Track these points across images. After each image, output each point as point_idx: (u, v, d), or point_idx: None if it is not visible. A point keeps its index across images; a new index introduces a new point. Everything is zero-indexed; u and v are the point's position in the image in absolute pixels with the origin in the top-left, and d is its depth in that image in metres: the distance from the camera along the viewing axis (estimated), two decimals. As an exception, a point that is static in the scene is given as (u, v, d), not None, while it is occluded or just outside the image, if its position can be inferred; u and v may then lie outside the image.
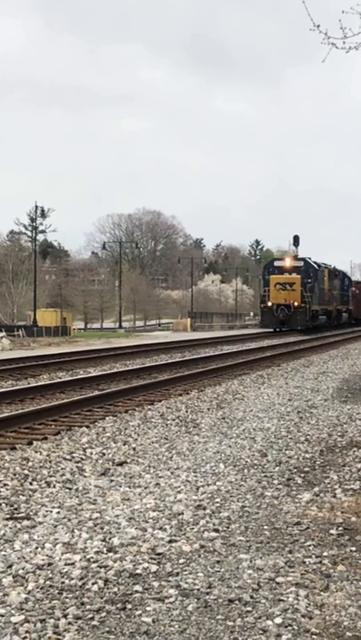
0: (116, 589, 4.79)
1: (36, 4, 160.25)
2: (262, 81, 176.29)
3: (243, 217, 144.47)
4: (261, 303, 49.57)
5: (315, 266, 49.81)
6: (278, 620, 4.34)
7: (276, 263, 49.91)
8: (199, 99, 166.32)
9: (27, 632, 4.22)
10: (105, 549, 5.51)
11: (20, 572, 5.05)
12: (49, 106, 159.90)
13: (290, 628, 4.28)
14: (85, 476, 7.92)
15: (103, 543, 5.65)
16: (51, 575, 5.01)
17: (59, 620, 4.35)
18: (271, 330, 47.32)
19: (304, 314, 46.65)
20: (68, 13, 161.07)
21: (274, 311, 46.68)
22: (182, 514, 6.43)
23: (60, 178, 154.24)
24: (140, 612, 4.46)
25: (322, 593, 4.76)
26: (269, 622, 4.32)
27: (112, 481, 7.68)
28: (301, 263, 48.71)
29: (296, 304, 46.55)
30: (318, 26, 9.93)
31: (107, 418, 11.62)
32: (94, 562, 5.25)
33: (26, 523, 6.20)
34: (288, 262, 48.77)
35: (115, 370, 19.24)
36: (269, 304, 47.08)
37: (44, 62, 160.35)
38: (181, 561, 5.30)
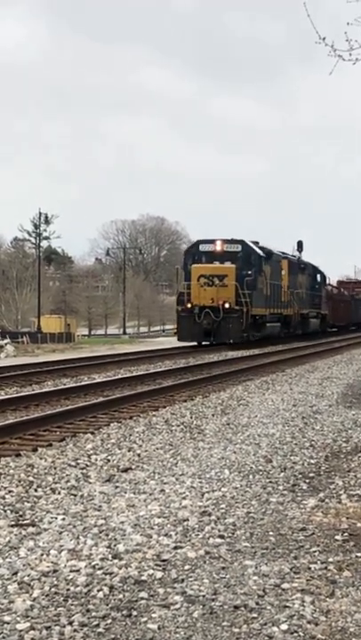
0: (121, 596, 4.78)
1: (41, 9, 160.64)
2: (267, 83, 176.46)
3: (247, 222, 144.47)
4: (179, 305, 34.35)
5: (258, 252, 35.28)
6: (284, 627, 4.33)
7: (203, 247, 35.23)
8: (204, 101, 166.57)
9: (32, 639, 4.22)
10: (110, 556, 5.51)
11: (26, 578, 5.05)
12: (53, 109, 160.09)
13: (296, 634, 4.27)
14: (90, 483, 7.91)
15: (108, 550, 5.64)
16: (56, 582, 5.01)
17: (64, 627, 4.34)
18: (194, 343, 33.61)
19: (239, 320, 32.58)
20: (72, 17, 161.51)
21: (196, 316, 32.39)
22: (187, 520, 6.42)
23: (63, 183, 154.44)
24: (145, 618, 4.45)
25: (328, 599, 4.75)
26: (275, 629, 4.31)
27: (117, 487, 7.67)
28: (238, 247, 34.59)
29: (228, 306, 32.36)
30: (324, 39, 9.97)
31: (111, 424, 11.62)
32: (99, 568, 5.25)
33: (31, 529, 6.20)
34: (219, 246, 34.52)
35: (119, 376, 19.24)
36: (189, 306, 32.73)
37: (48, 65, 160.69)
38: (187, 567, 5.29)
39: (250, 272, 34.01)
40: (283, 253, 41.82)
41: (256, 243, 36.12)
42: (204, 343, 33.24)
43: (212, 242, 35.05)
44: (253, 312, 33.77)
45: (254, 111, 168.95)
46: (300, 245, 54.13)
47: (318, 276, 49.52)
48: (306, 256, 59.36)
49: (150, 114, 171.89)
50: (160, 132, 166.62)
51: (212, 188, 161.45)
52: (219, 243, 34.58)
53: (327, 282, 53.02)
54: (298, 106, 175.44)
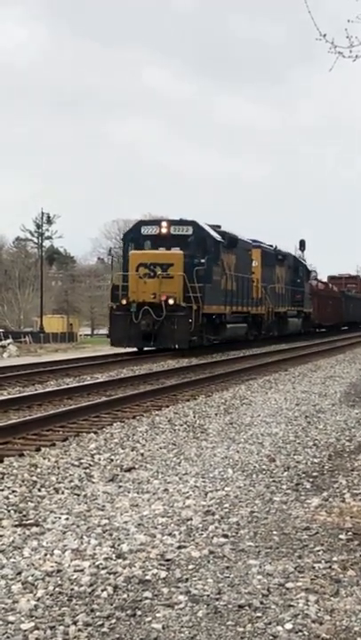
0: (125, 596, 4.78)
1: (40, 10, 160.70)
2: (268, 83, 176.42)
3: (249, 221, 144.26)
4: (113, 301, 27.78)
5: (215, 237, 28.56)
6: (289, 626, 4.32)
7: (146, 229, 28.64)
8: (205, 102, 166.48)
9: (37, 639, 4.22)
10: (114, 556, 5.50)
11: (30, 578, 5.05)
12: (54, 111, 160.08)
13: (300, 633, 4.26)
14: (94, 482, 7.91)
15: (112, 549, 5.64)
16: (60, 582, 5.00)
17: (68, 626, 4.34)
18: (131, 349, 26.98)
19: (186, 320, 25.67)
20: (73, 18, 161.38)
21: (133, 315, 25.72)
22: (191, 519, 6.42)
23: (65, 183, 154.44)
24: (149, 618, 4.45)
25: (332, 598, 4.74)
26: (280, 628, 4.31)
27: (120, 487, 7.67)
28: (188, 230, 27.98)
29: (172, 302, 25.66)
30: (325, 35, 9.97)
31: (114, 424, 11.61)
32: (103, 568, 5.25)
33: (35, 529, 6.20)
34: (164, 228, 27.94)
35: (122, 375, 19.24)
36: (125, 302, 26.25)
37: (49, 66, 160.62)
38: (191, 567, 5.29)
39: (202, 260, 27.17)
40: (255, 241, 35.49)
41: (217, 226, 30.01)
42: (147, 349, 26.99)
43: (157, 223, 28.74)
44: (207, 310, 26.91)
45: (255, 111, 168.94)
46: (302, 244, 53.90)
47: (301, 269, 43.56)
48: (308, 255, 57.59)
49: (151, 114, 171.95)
50: (161, 132, 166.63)
51: (214, 187, 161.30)
52: (164, 224, 28.03)
53: (312, 276, 48.31)
54: (298, 106, 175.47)
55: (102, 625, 4.38)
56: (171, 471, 8.40)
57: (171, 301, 25.75)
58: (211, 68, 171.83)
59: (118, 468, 8.58)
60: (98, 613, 4.51)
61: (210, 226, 29.13)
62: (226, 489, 7.52)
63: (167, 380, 18.41)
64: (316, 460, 9.06)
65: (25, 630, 4.30)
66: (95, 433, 10.79)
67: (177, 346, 26.08)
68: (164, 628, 4.34)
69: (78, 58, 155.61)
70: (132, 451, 9.58)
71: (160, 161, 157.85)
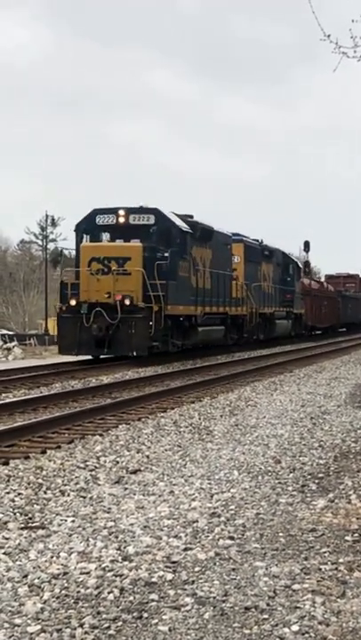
0: (131, 598, 4.78)
1: (42, 11, 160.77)
2: (270, 82, 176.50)
3: (251, 222, 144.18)
4: (62, 302, 24.24)
5: (181, 227, 24.78)
6: (295, 628, 4.32)
7: (101, 218, 24.76)
8: (206, 101, 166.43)
9: (43, 642, 4.22)
10: (120, 558, 5.50)
11: (36, 581, 5.05)
12: (54, 111, 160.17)
13: (307, 635, 4.26)
14: (99, 485, 7.91)
15: (118, 552, 5.64)
16: (66, 584, 5.00)
17: (75, 629, 4.34)
18: (82, 358, 23.46)
19: (146, 323, 22.44)
20: (74, 19, 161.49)
21: (84, 318, 22.40)
22: (197, 521, 6.42)
23: (65, 183, 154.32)
24: (156, 620, 4.45)
25: (338, 600, 4.74)
26: (286, 630, 4.30)
27: (126, 489, 7.67)
28: (150, 219, 24.43)
29: (129, 302, 22.43)
30: (329, 35, 9.95)
31: (120, 426, 11.62)
32: (110, 571, 5.25)
33: (41, 532, 6.20)
34: (122, 217, 24.31)
35: (127, 377, 19.25)
36: (74, 303, 22.91)
37: (50, 67, 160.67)
38: (197, 569, 5.28)
39: (166, 254, 23.52)
40: (236, 235, 31.97)
41: (188, 216, 26.19)
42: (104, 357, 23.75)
43: (113, 211, 24.53)
44: (171, 311, 23.38)
45: (255, 111, 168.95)
46: (306, 245, 53.75)
47: (291, 266, 40.29)
48: (309, 256, 56.32)
49: (152, 114, 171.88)
50: (162, 133, 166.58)
51: (214, 187, 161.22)
52: (121, 212, 24.27)
53: (302, 274, 44.77)
54: (299, 106, 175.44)
55: (109, 627, 4.37)
56: (176, 473, 8.40)
57: (127, 301, 22.39)
58: (211, 69, 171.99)
59: (124, 470, 8.58)
60: (104, 616, 4.51)
61: (179, 215, 25.36)
62: (232, 491, 7.52)
63: (172, 381, 18.42)
64: (321, 462, 9.05)
65: (31, 633, 4.30)
66: (101, 435, 10.79)
67: (135, 353, 22.57)
68: (170, 630, 4.34)
69: (79, 58, 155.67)
70: (138, 453, 9.58)
71: (160, 161, 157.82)
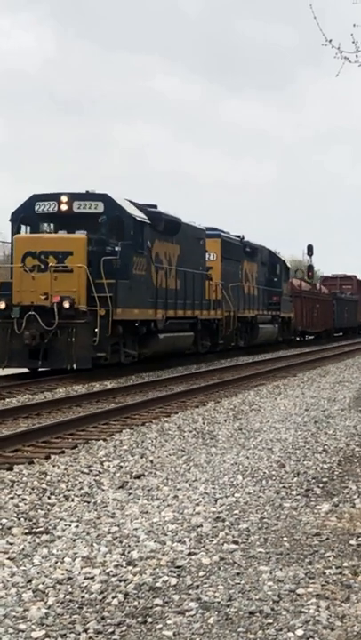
0: (136, 603, 4.78)
1: (48, 14, 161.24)
2: (275, 86, 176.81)
3: (256, 225, 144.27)
4: None
5: (136, 215, 20.91)
6: (300, 632, 4.31)
7: (41, 206, 21.00)
8: (212, 105, 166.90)
9: (48, 647, 4.22)
10: (124, 563, 5.50)
11: (40, 586, 5.05)
12: (63, 116, 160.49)
13: (311, 639, 4.25)
14: (103, 490, 7.91)
15: (122, 557, 5.64)
16: (71, 589, 5.00)
17: (79, 634, 4.34)
18: (13, 371, 19.82)
19: (89, 330, 18.97)
20: (81, 23, 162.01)
21: (15, 324, 18.86)
22: (201, 526, 6.41)
23: (71, 188, 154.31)
24: (160, 625, 4.45)
25: (343, 604, 4.73)
26: (291, 634, 4.30)
27: (130, 494, 7.67)
28: (98, 206, 20.79)
29: (69, 305, 18.89)
30: (330, 40, 9.97)
31: (124, 431, 11.61)
32: (114, 575, 5.25)
33: (45, 537, 6.20)
34: (65, 203, 20.54)
35: (130, 382, 19.24)
36: (3, 306, 19.28)
37: (58, 72, 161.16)
38: (201, 574, 5.28)
39: (117, 248, 20.04)
40: (212, 229, 28.46)
41: (150, 206, 22.77)
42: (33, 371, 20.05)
43: (55, 197, 20.84)
44: (122, 315, 19.72)
45: (261, 114, 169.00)
46: (310, 249, 53.67)
47: (279, 266, 36.94)
48: (315, 259, 55.63)
49: (158, 118, 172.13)
50: (168, 136, 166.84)
51: (220, 190, 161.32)
52: (64, 199, 20.57)
53: (291, 274, 42.51)
54: (305, 109, 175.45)
55: (113, 632, 4.37)
56: (180, 478, 8.40)
57: (66, 304, 18.68)
58: (216, 72, 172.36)
59: (128, 475, 8.58)
60: (109, 621, 4.51)
61: (137, 204, 21.76)
62: (236, 495, 7.52)
63: (176, 386, 18.42)
64: (325, 466, 9.04)
65: (36, 638, 4.30)
66: (104, 440, 10.79)
67: (75, 366, 18.89)
68: (174, 635, 4.33)
69: (83, 62, 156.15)
70: (142, 458, 9.58)
71: (165, 164, 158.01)
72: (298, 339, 43.33)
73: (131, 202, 21.44)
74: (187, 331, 25.09)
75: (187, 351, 25.99)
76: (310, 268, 52.68)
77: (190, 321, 25.26)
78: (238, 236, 32.15)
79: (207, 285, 26.90)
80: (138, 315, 20.87)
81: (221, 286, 28.29)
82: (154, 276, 22.16)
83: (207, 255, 27.73)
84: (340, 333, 52.70)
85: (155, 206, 23.14)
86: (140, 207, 21.88)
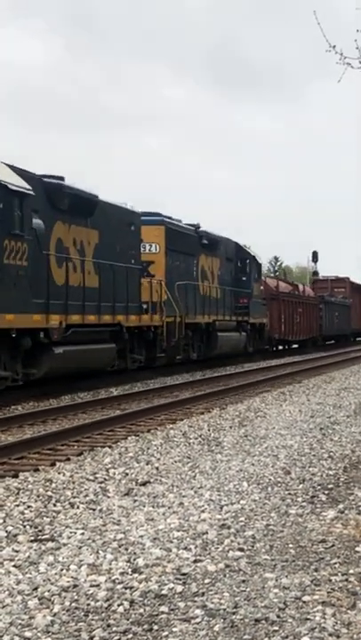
0: (142, 610, 4.78)
1: (56, 24, 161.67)
2: (284, 96, 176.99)
3: (262, 233, 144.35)
4: None
5: (10, 186, 14.94)
6: (306, 640, 4.31)
7: None
8: (220, 115, 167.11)
9: (53, 655, 4.22)
10: (130, 570, 5.50)
11: (46, 594, 5.05)
12: (71, 126, 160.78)
13: (317, 647, 4.25)
14: (109, 497, 7.91)
15: (128, 564, 5.63)
16: (76, 597, 5.00)
17: (85, 642, 4.33)
18: None
19: None
20: (89, 34, 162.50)
21: None
22: (207, 533, 6.41)
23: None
24: (166, 632, 4.44)
25: (349, 611, 4.72)
26: (297, 642, 4.29)
27: (136, 501, 7.67)
28: None
29: None
30: (334, 46, 9.95)
31: (129, 437, 11.62)
32: (120, 583, 5.24)
33: (50, 544, 6.20)
34: None
35: (136, 389, 19.25)
36: None
37: (66, 82, 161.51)
38: (207, 581, 5.28)
39: None
40: (155, 214, 23.77)
41: (57, 178, 17.75)
42: None
43: None
44: None
45: (268, 122, 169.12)
46: (315, 256, 53.71)
47: (249, 263, 31.81)
48: (321, 266, 54.48)
49: (166, 128, 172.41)
50: (176, 146, 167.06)
51: (229, 199, 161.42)
52: None
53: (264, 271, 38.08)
54: (312, 118, 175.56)
55: (119, 640, 4.37)
56: (186, 485, 8.40)
57: None
58: (224, 82, 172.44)
59: (133, 482, 8.57)
60: (114, 628, 4.51)
61: (19, 171, 16.11)
62: (241, 502, 7.51)
63: (181, 393, 18.42)
64: (331, 473, 9.03)
65: (42, 646, 4.30)
66: (110, 447, 10.80)
67: None
68: (180, 642, 4.33)
69: (92, 71, 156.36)
70: (147, 464, 9.58)
71: (174, 173, 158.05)
72: (275, 348, 38.48)
73: (10, 166, 15.86)
74: (106, 342, 19.45)
75: (109, 368, 20.21)
76: (315, 274, 52.64)
77: (111, 329, 19.74)
78: (193, 226, 26.90)
79: (145, 284, 21.94)
80: (13, 322, 15.27)
81: (166, 285, 23.25)
82: (53, 268, 17.18)
83: (147, 246, 23.07)
84: (333, 341, 48.68)
85: (61, 178, 17.89)
86: (28, 175, 16.43)
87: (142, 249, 22.66)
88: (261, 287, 34.46)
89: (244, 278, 31.47)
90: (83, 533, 6.48)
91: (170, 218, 24.92)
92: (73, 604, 4.88)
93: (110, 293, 19.50)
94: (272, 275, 62.94)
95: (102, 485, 8.41)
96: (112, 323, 19.79)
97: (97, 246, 19.39)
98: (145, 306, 21.91)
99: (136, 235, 21.96)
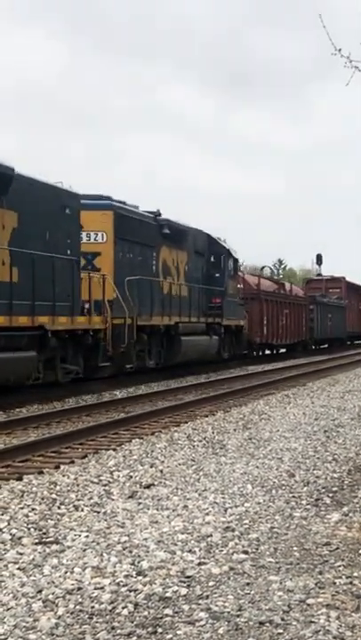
0: (146, 613, 4.77)
1: (62, 27, 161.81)
2: (288, 97, 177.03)
3: (266, 236, 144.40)
4: None
5: None
6: (310, 643, 4.30)
7: None
8: (222, 117, 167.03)
9: (58, 657, 4.22)
10: (134, 573, 5.50)
11: (50, 596, 5.05)
12: (71, 127, 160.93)
13: (322, 650, 4.24)
14: (113, 500, 7.91)
15: (132, 567, 5.63)
16: (80, 600, 5.00)
17: (89, 644, 4.33)
18: None
19: None
20: (92, 35, 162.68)
21: None
22: (211, 536, 6.41)
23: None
24: (170, 635, 4.44)
25: (353, 614, 4.72)
26: (301, 644, 4.29)
27: (140, 504, 7.67)
28: None
29: None
30: (340, 50, 9.93)
31: (133, 440, 11.62)
32: (124, 585, 5.24)
33: (55, 547, 6.20)
34: None
35: (140, 392, 19.25)
36: None
37: (66, 83, 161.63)
38: (211, 583, 5.27)
39: None
40: (101, 197, 20.48)
41: None
42: None
43: None
44: None
45: (271, 125, 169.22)
46: (319, 259, 53.64)
47: (223, 258, 28.31)
48: (325, 269, 53.56)
49: (167, 130, 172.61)
50: (177, 148, 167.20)
51: (228, 202, 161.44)
52: None
53: (241, 268, 34.56)
54: (314, 120, 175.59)
55: (123, 643, 4.37)
56: (190, 487, 8.39)
57: None
58: (225, 83, 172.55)
59: (137, 485, 8.57)
60: (119, 631, 4.51)
61: None
62: (245, 505, 7.51)
63: (185, 395, 18.42)
64: (335, 475, 9.03)
65: (46, 648, 4.30)
66: (114, 450, 10.80)
67: None
68: (185, 645, 4.32)
69: (93, 74, 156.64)
70: (151, 467, 9.58)
71: (175, 176, 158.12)
72: (256, 353, 35.01)
73: None
74: (21, 349, 15.72)
75: (29, 382, 16.52)
76: (319, 276, 52.53)
77: (31, 333, 16.05)
78: (152, 213, 23.34)
79: (85, 279, 18.70)
80: None
81: (113, 281, 19.87)
82: None
83: (91, 235, 19.99)
84: (326, 345, 45.44)
85: None
86: None
87: (85, 238, 19.42)
88: (240, 285, 31.47)
89: (217, 275, 28.00)
90: (87, 536, 6.48)
91: (123, 203, 21.42)
92: (77, 607, 4.88)
93: (29, 289, 15.61)
94: (276, 277, 62.14)
95: (106, 488, 8.41)
96: (31, 326, 15.90)
97: (15, 231, 15.62)
98: (87, 305, 18.57)
99: (73, 220, 18.13)
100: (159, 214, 23.69)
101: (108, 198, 20.74)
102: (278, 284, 39.11)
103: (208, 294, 27.20)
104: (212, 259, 27.96)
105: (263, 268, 44.13)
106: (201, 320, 26.11)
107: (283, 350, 38.69)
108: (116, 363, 20.02)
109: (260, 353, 36.41)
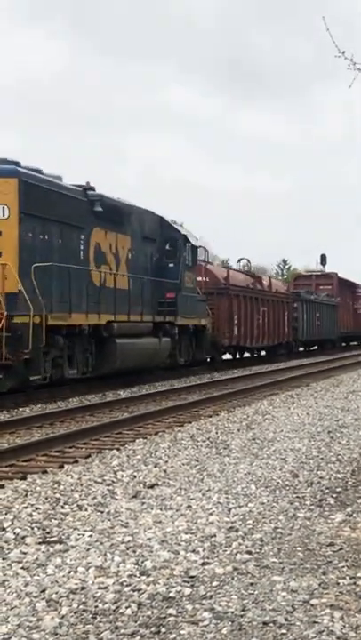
0: (149, 613, 4.78)
1: (64, 26, 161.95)
2: (291, 98, 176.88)
3: (270, 236, 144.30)
4: None
5: None
6: (314, 643, 4.30)
7: None
8: (227, 117, 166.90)
9: (61, 657, 4.22)
10: (138, 573, 5.50)
11: (54, 596, 5.05)
12: (78, 127, 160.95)
13: (325, 650, 4.24)
14: (117, 499, 7.91)
15: (136, 566, 5.64)
16: (84, 599, 5.00)
17: (93, 644, 4.33)
18: None
19: None
20: (97, 34, 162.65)
21: None
22: (215, 536, 6.41)
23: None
24: (174, 635, 4.44)
25: (357, 614, 4.71)
26: (305, 645, 4.28)
27: (143, 503, 7.67)
28: None
29: None
30: (343, 52, 9.94)
31: (137, 440, 11.62)
32: (127, 585, 5.24)
33: (58, 547, 6.21)
34: None
35: (143, 392, 19.25)
36: None
37: (69, 83, 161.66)
38: (215, 583, 5.27)
39: None
40: (6, 162, 16.26)
41: None
42: None
43: None
44: None
45: (277, 127, 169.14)
46: (323, 259, 53.58)
47: (179, 244, 23.56)
48: (329, 269, 53.01)
49: (171, 130, 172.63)
50: (181, 148, 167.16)
51: (233, 201, 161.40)
52: None
53: (208, 258, 30.59)
54: (319, 121, 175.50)
55: (127, 642, 4.37)
56: (194, 487, 8.39)
57: None
58: (230, 84, 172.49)
59: (141, 485, 8.58)
60: (122, 631, 4.51)
61: None
62: (249, 505, 7.50)
63: (189, 395, 18.42)
64: (339, 476, 9.02)
65: (50, 648, 4.30)
66: (118, 449, 10.80)
67: None
68: (188, 645, 4.32)
69: (96, 73, 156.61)
70: (155, 467, 9.58)
71: (182, 177, 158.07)
72: (224, 358, 30.42)
73: None
74: None
75: None
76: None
77: None
78: (80, 186, 19.11)
79: None
80: None
81: (18, 269, 15.66)
82: None
83: None
84: (315, 347, 41.47)
85: None
86: None
87: None
88: (202, 278, 26.88)
89: (171, 265, 23.24)
90: (91, 536, 6.48)
91: (38, 171, 17.13)
92: (81, 607, 4.88)
93: None
94: (280, 278, 60.43)
95: (110, 488, 8.41)
96: None
97: None
98: None
99: None
100: (91, 188, 19.24)
101: (15, 163, 16.40)
102: (255, 278, 33.34)
103: (159, 288, 22.45)
104: (168, 246, 23.38)
105: (240, 260, 36.41)
106: (146, 319, 21.42)
107: (263, 353, 35.14)
108: (17, 374, 15.71)
109: (238, 356, 32.48)
